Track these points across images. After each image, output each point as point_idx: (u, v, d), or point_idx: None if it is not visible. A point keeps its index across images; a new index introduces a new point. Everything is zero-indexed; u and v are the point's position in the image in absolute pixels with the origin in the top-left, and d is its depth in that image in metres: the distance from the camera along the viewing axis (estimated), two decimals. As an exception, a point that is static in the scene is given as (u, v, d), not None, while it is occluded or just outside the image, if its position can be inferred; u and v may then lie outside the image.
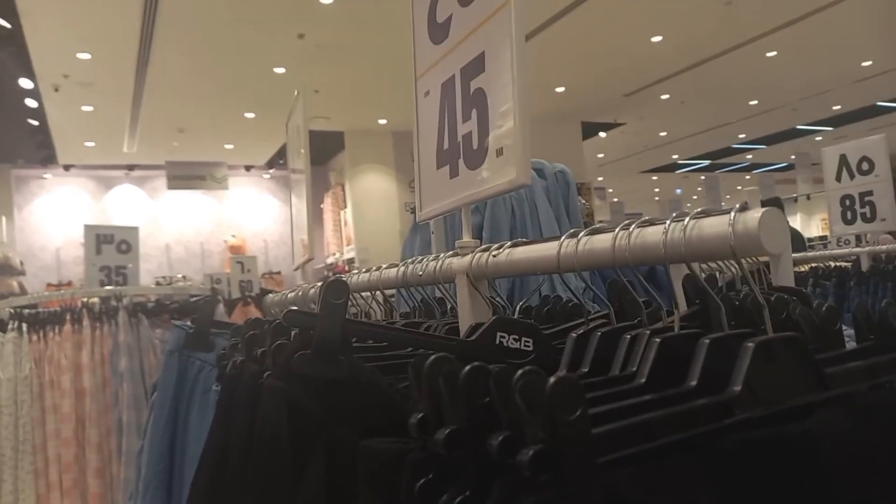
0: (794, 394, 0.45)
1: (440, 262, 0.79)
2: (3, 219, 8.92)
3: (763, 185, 10.61)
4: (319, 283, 1.38)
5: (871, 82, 8.97)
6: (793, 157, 11.92)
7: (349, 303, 1.03)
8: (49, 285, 9.53)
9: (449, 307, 0.88)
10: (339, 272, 9.63)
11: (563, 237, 0.59)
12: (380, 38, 6.06)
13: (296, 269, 1.69)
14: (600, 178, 13.53)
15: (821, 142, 11.73)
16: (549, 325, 0.78)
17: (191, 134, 9.21)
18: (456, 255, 0.78)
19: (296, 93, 1.56)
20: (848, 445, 0.45)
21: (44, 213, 10.82)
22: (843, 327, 0.62)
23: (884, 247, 2.57)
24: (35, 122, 8.34)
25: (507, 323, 0.66)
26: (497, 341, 0.66)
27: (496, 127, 0.71)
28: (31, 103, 7.61)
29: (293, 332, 0.69)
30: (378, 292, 1.02)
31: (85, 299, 2.36)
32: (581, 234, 0.56)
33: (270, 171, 11.71)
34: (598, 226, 0.59)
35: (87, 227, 2.80)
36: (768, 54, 7.66)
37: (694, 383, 0.44)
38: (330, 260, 10.81)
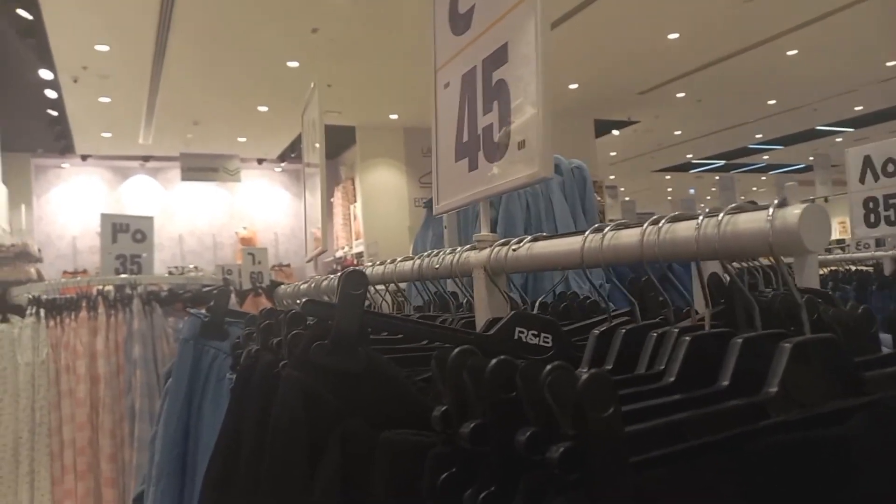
0: (830, 397, 0.43)
1: (457, 255, 0.78)
2: (23, 207, 9.03)
3: (780, 185, 10.48)
4: (331, 275, 1.38)
5: (894, 83, 8.80)
6: (811, 158, 11.75)
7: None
8: (65, 273, 9.65)
9: (464, 301, 0.87)
10: (347, 266, 9.66)
11: (587, 231, 0.57)
12: (393, 33, 6.05)
13: (308, 261, 1.69)
14: (612, 177, 13.43)
15: (840, 143, 11.56)
16: (567, 322, 0.77)
17: (205, 126, 9.27)
18: (474, 248, 0.77)
19: (311, 86, 1.55)
20: (884, 452, 0.44)
21: (61, 201, 10.95)
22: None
23: (910, 251, 2.52)
24: (54, 113, 8.43)
25: (526, 318, 0.65)
26: (515, 336, 0.64)
27: (518, 119, 0.70)
28: (50, 94, 7.69)
29: (308, 322, 0.68)
30: (391, 285, 1.01)
31: (100, 287, 2.38)
32: (607, 229, 0.55)
33: (282, 164, 11.76)
34: (622, 220, 0.57)
35: (104, 216, 2.82)
36: (788, 53, 7.54)
37: (726, 383, 0.43)
38: (339, 254, 10.84)
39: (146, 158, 11.05)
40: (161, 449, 1.24)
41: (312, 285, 1.39)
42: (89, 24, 5.91)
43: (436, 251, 0.88)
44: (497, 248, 0.72)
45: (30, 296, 2.25)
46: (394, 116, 9.21)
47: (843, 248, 3.56)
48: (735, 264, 0.77)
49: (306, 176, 2.09)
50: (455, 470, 0.37)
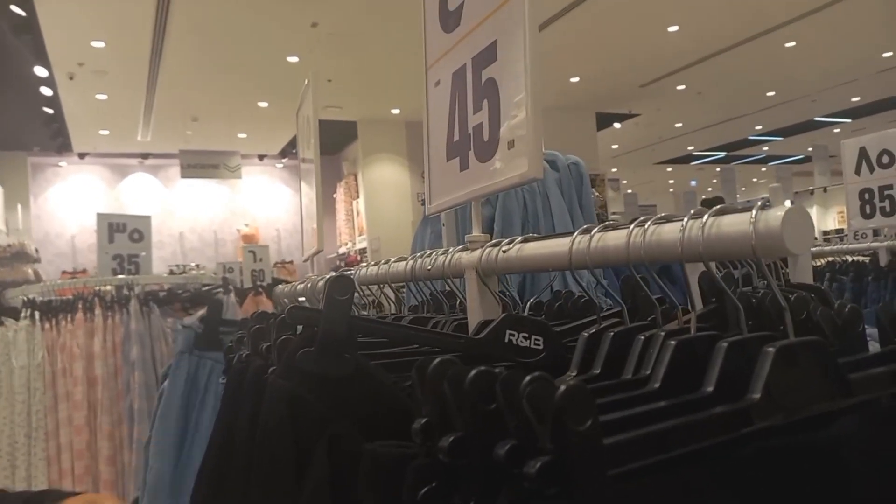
0: (815, 401, 0.43)
1: (449, 256, 0.78)
2: (20, 206, 9.02)
3: (779, 177, 10.46)
4: (327, 276, 1.37)
5: (891, 73, 8.77)
6: (810, 149, 11.72)
7: (360, 293, 1.02)
8: (64, 272, 9.64)
9: (458, 301, 0.86)
10: (351, 262, 9.66)
11: (575, 233, 0.57)
12: (393, 27, 6.01)
13: (305, 261, 1.69)
14: (614, 170, 13.40)
15: (839, 134, 11.52)
16: (560, 322, 0.77)
17: (204, 123, 9.24)
18: (466, 249, 0.77)
19: (306, 81, 1.54)
20: (872, 455, 0.43)
21: (59, 200, 10.95)
22: (866, 327, 0.60)
23: (904, 242, 2.52)
24: (50, 111, 8.41)
25: (517, 321, 0.65)
26: (506, 339, 0.64)
27: (508, 118, 0.69)
28: (46, 91, 7.67)
29: (300, 326, 0.68)
30: (387, 285, 1.01)
31: (97, 288, 2.38)
32: (594, 231, 0.54)
33: (283, 160, 11.74)
34: (610, 222, 0.57)
35: (100, 216, 2.82)
36: (787, 45, 7.51)
37: (710, 389, 0.42)
38: (342, 250, 10.83)
39: (145, 156, 11.03)
40: (155, 463, 1.24)
41: (309, 285, 1.39)
42: (85, 19, 5.88)
43: (429, 252, 0.87)
44: (488, 250, 0.71)
45: (24, 298, 2.25)
46: (395, 111, 9.17)
47: (841, 238, 3.56)
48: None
49: (303, 172, 2.08)
50: (436, 484, 0.36)
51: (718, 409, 0.40)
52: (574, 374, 0.57)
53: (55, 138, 9.59)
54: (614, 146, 12.13)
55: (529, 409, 0.32)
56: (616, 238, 0.52)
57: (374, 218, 9.68)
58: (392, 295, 1.07)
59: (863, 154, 2.53)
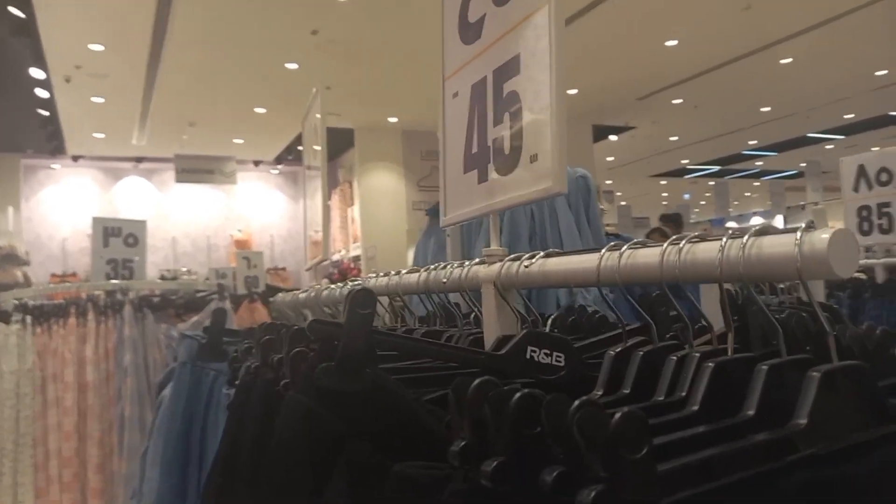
0: (856, 428, 0.42)
1: (466, 269, 0.77)
2: (11, 208, 8.92)
3: (772, 192, 10.54)
4: (331, 285, 1.36)
5: (885, 91, 8.89)
6: (803, 164, 11.82)
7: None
8: (53, 275, 9.53)
9: (473, 316, 0.85)
10: (344, 269, 9.62)
11: (603, 250, 0.56)
12: (394, 35, 6.03)
13: (308, 270, 1.67)
14: (609, 182, 13.46)
15: (832, 150, 11.64)
16: (577, 338, 0.76)
17: (201, 128, 9.21)
18: (483, 262, 0.75)
19: (314, 91, 1.54)
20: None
21: (51, 203, 10.85)
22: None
23: (902, 258, 2.53)
24: (45, 113, 8.35)
25: (539, 337, 0.64)
26: (528, 356, 0.63)
27: (531, 132, 0.68)
28: (41, 93, 7.62)
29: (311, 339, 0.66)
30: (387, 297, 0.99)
31: (91, 292, 2.35)
32: (624, 248, 0.53)
33: (279, 166, 11.70)
34: (639, 239, 0.56)
35: (96, 220, 2.79)
36: (783, 61, 7.60)
37: (752, 413, 0.41)
38: (336, 257, 10.79)
39: (139, 160, 10.97)
40: (153, 475, 1.21)
41: (312, 294, 1.37)
42: (83, 22, 5.86)
43: (443, 264, 0.86)
44: (508, 264, 0.70)
45: (16, 301, 2.21)
46: (393, 119, 9.19)
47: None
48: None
49: (307, 180, 2.07)
50: (475, 509, 0.35)
51: (763, 434, 0.39)
52: (600, 392, 0.56)
53: (49, 141, 9.52)
54: (610, 158, 12.19)
55: (580, 435, 0.31)
56: (648, 256, 0.51)
57: (369, 226, 9.67)
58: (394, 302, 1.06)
59: (861, 171, 2.55)
